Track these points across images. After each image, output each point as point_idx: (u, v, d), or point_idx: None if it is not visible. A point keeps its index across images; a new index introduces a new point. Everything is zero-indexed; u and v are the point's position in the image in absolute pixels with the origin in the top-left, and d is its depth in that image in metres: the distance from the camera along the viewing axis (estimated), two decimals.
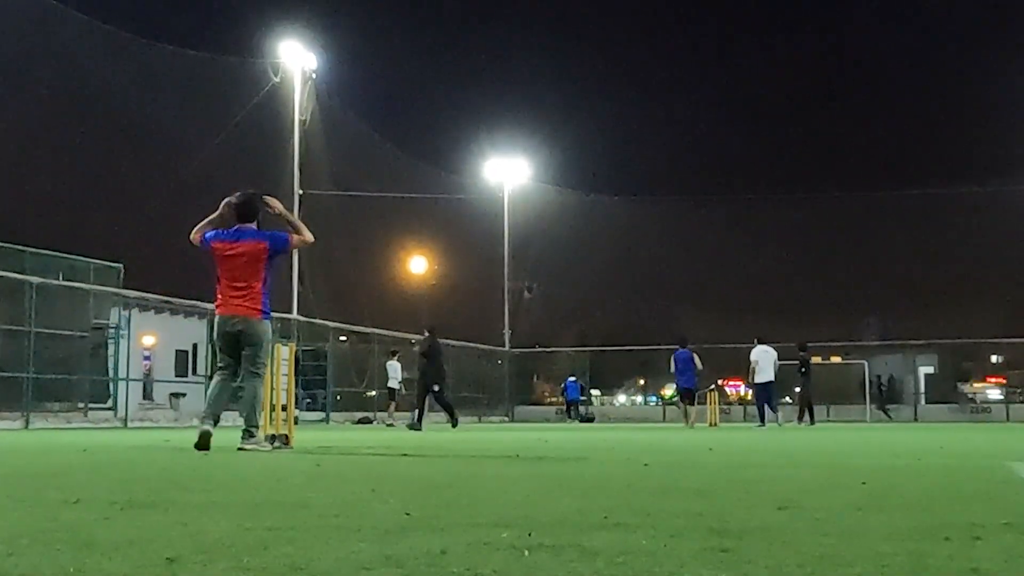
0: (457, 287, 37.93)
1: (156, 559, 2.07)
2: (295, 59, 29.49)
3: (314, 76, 30.03)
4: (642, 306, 42.46)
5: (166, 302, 25.50)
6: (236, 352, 7.55)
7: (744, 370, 22.69)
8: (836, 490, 4.02)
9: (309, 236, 7.78)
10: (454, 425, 17.89)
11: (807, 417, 21.54)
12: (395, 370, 23.38)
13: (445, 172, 39.58)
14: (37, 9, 25.66)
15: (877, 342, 40.69)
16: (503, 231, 37.81)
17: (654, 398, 48.15)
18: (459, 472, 5.30)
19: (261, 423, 7.58)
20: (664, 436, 13.17)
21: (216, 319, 7.70)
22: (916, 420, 31.55)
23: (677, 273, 42.42)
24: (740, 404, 35.56)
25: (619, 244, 41.32)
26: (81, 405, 22.51)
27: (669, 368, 21.95)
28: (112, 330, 24.98)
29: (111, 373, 24.10)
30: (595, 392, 45.01)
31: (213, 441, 7.13)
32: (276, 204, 7.85)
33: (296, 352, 9.91)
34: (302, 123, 29.53)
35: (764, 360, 20.36)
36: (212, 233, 7.58)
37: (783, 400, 33.50)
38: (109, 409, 22.64)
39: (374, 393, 28.35)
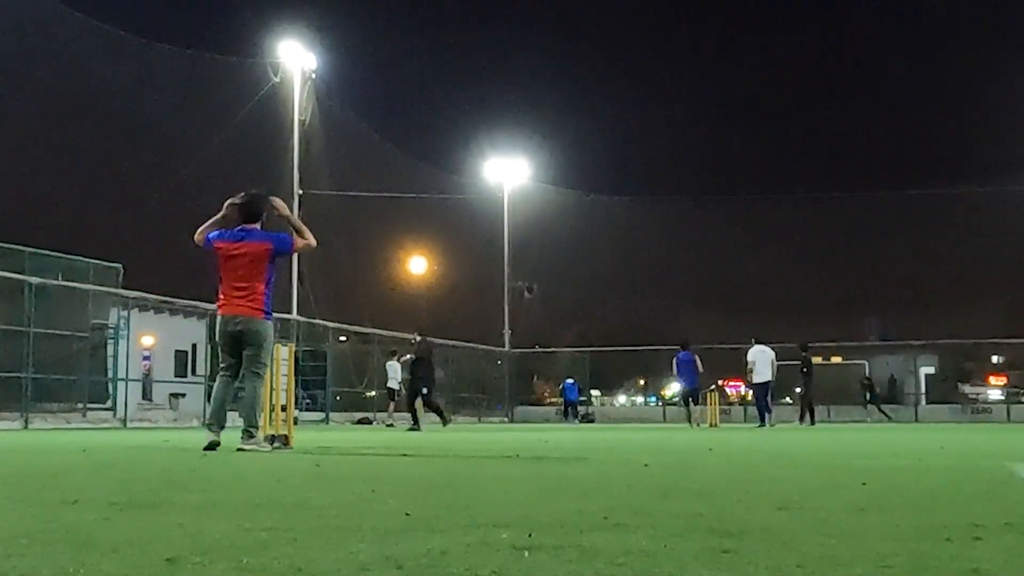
0: (457, 287, 37.94)
1: (155, 559, 2.06)
2: (295, 59, 29.49)
3: (314, 76, 30.04)
4: (642, 306, 42.50)
5: (165, 302, 25.49)
6: (238, 352, 7.54)
7: (744, 370, 22.75)
8: (836, 490, 4.01)
9: (312, 240, 7.77)
10: (445, 424, 17.93)
11: (808, 417, 21.57)
12: (395, 370, 23.37)
13: (445, 172, 39.65)
14: (37, 9, 25.67)
15: (877, 342, 40.72)
16: (503, 231, 37.81)
17: (654, 398, 48.17)
18: (459, 472, 5.29)
19: (261, 423, 7.58)
20: (664, 436, 13.17)
21: (218, 319, 7.68)
22: (917, 420, 31.54)
23: (677, 273, 42.46)
24: (740, 404, 35.54)
25: (619, 244, 41.35)
26: (80, 405, 22.50)
27: (671, 370, 22.19)
28: (111, 330, 24.98)
29: (110, 373, 24.11)
30: (595, 392, 45.01)
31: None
32: (282, 206, 7.86)
33: (296, 352, 9.90)
34: (302, 123, 29.53)
35: (761, 360, 20.44)
36: (215, 233, 7.57)
37: (784, 401, 33.60)
38: (108, 409, 22.64)
39: (374, 393, 28.36)
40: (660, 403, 42.37)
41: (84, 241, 26.12)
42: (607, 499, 3.49)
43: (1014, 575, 1.98)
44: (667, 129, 79.21)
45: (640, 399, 52.86)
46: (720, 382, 31.97)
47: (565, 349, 40.15)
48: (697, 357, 20.98)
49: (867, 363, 35.41)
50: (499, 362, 37.24)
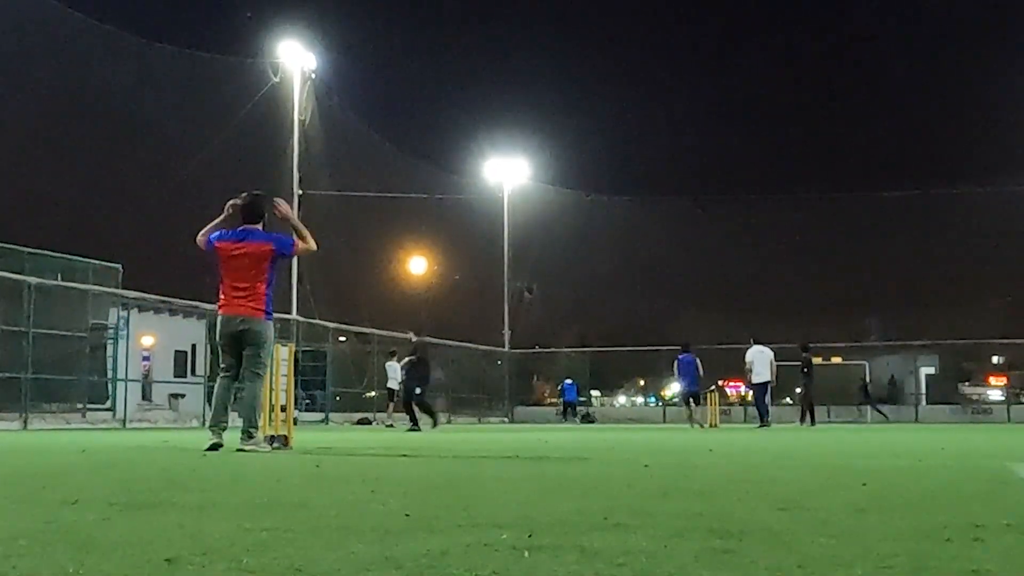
0: (457, 287, 37.93)
1: (155, 560, 2.06)
2: (294, 59, 29.50)
3: (313, 76, 30.05)
4: (642, 306, 42.48)
5: (165, 302, 25.49)
6: (238, 353, 7.53)
7: (744, 371, 22.81)
8: (837, 491, 4.01)
9: (313, 244, 7.77)
10: (435, 425, 17.87)
11: (808, 418, 21.59)
12: (394, 371, 23.34)
13: (445, 172, 39.63)
14: (37, 9, 25.67)
15: (878, 343, 40.70)
16: (503, 231, 37.81)
17: (654, 399, 48.16)
18: (458, 473, 5.29)
19: (260, 424, 7.57)
20: (664, 437, 13.17)
21: (218, 319, 7.67)
22: (917, 421, 31.54)
23: (677, 273, 42.44)
24: (740, 405, 35.55)
25: (619, 244, 41.33)
26: (80, 406, 22.48)
27: (673, 371, 22.41)
28: (111, 330, 24.95)
29: (110, 374, 24.08)
30: (595, 393, 44.99)
31: None
32: (285, 208, 7.86)
33: (295, 352, 9.90)
34: (301, 123, 29.53)
35: (759, 361, 20.54)
36: (217, 234, 7.57)
37: (784, 401, 33.61)
38: (108, 410, 22.62)
39: (373, 394, 28.35)
40: (660, 403, 42.36)
41: (83, 241, 26.13)
42: (607, 499, 3.49)
43: (1014, 575, 1.98)
44: (667, 129, 79.18)
45: (640, 399, 52.84)
46: (720, 382, 31.99)
47: (565, 349, 40.15)
48: (698, 359, 21.18)
49: (867, 363, 35.37)
50: (499, 362, 37.24)
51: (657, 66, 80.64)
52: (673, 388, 35.03)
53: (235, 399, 7.78)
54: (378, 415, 25.84)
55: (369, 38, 74.22)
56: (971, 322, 36.64)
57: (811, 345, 23.43)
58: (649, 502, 3.43)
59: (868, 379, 34.55)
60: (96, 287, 24.02)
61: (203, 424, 18.76)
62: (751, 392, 22.35)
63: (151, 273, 26.28)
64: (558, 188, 41.14)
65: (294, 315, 27.12)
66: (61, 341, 21.77)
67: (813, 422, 21.48)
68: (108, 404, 23.12)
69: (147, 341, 29.46)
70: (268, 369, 7.64)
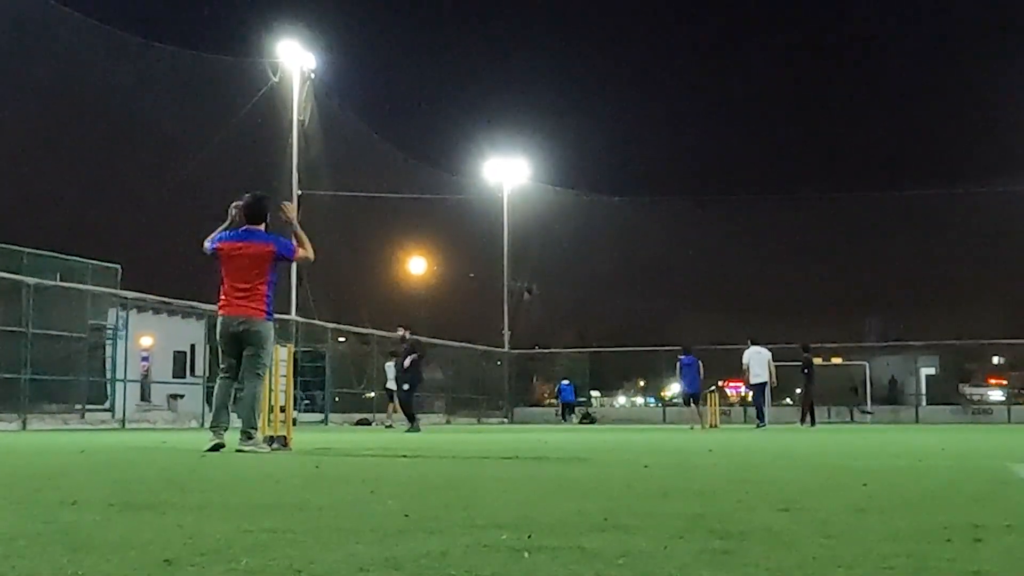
0: (456, 287, 37.92)
1: (154, 561, 2.06)
2: (294, 59, 29.48)
3: (313, 76, 30.03)
4: (642, 306, 42.49)
5: (164, 303, 25.48)
6: (238, 353, 7.52)
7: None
8: (837, 491, 4.01)
9: (312, 254, 7.80)
10: (409, 430, 17.44)
11: (808, 418, 21.63)
12: (394, 371, 23.35)
13: (444, 172, 39.62)
14: (37, 9, 25.66)
15: (878, 343, 40.71)
16: (502, 231, 37.81)
17: (653, 399, 48.16)
18: (458, 473, 5.29)
19: (259, 424, 7.57)
20: (664, 437, 13.17)
21: (219, 319, 7.66)
22: (917, 421, 31.55)
23: (677, 273, 42.46)
24: (740, 405, 35.57)
25: (619, 244, 41.32)
26: (79, 406, 22.45)
27: (674, 372, 22.82)
28: (110, 331, 24.92)
29: (109, 374, 24.05)
30: (595, 393, 44.99)
31: None
32: (291, 213, 7.87)
33: (295, 353, 9.90)
34: (301, 123, 29.51)
35: (756, 361, 20.62)
36: (219, 235, 7.57)
37: (784, 402, 33.64)
38: (107, 410, 22.61)
39: (373, 394, 28.34)
40: (660, 404, 42.36)
41: (82, 241, 26.12)
42: (607, 500, 3.49)
43: None
44: (667, 129, 79.14)
45: (640, 400, 52.84)
46: (720, 383, 32.02)
47: (565, 350, 40.15)
48: (700, 362, 21.34)
49: (867, 363, 35.38)
50: (499, 363, 37.23)
51: (657, 66, 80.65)
52: (673, 388, 35.06)
53: (235, 399, 7.77)
54: (377, 416, 25.84)
55: (369, 38, 74.17)
56: (971, 322, 36.68)
57: (811, 345, 23.48)
58: (649, 503, 3.43)
59: (868, 380, 34.57)
60: (95, 287, 24.01)
61: (202, 425, 18.78)
62: (751, 393, 22.43)
63: (150, 273, 26.30)
64: (558, 188, 41.16)
65: (293, 315, 27.11)
66: (60, 342, 21.75)
67: (813, 422, 21.52)
68: (107, 405, 23.11)
69: (146, 341, 29.43)
70: (268, 370, 7.64)
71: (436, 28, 78.14)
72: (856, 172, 64.23)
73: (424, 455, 7.14)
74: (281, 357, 8.15)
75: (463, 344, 33.87)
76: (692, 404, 21.27)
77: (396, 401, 22.75)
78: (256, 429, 7.43)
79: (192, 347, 28.52)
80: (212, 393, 7.93)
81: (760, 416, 20.60)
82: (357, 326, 30.00)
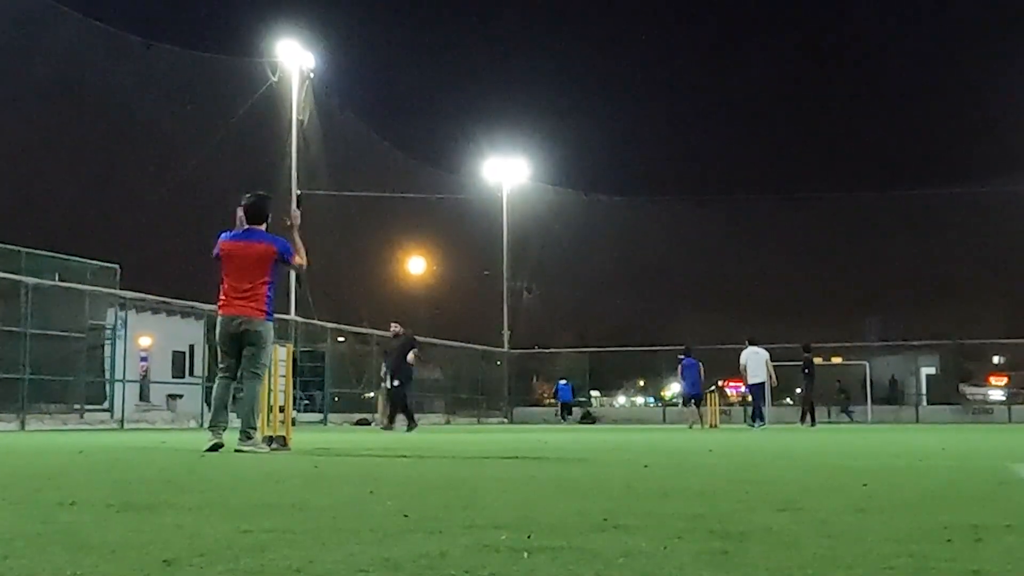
0: (456, 287, 37.92)
1: (153, 561, 2.05)
2: (293, 59, 29.47)
3: (312, 76, 30.03)
4: (642, 306, 42.49)
5: (163, 303, 25.47)
6: (237, 353, 7.52)
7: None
8: (837, 491, 4.01)
9: (305, 262, 7.84)
10: (384, 427, 17.42)
11: (809, 418, 21.64)
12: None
13: (444, 172, 39.62)
14: (37, 9, 25.66)
15: (878, 343, 40.71)
16: (502, 231, 37.80)
17: (653, 399, 48.17)
18: (457, 474, 5.28)
19: (259, 424, 7.56)
20: (664, 437, 13.18)
21: (219, 319, 7.65)
22: (918, 421, 31.55)
23: (677, 273, 42.44)
24: (740, 405, 35.57)
25: (619, 244, 41.33)
26: (77, 406, 22.43)
27: (675, 373, 22.97)
28: (109, 331, 24.89)
29: (107, 374, 24.03)
30: (595, 393, 45.01)
31: None
32: (296, 219, 7.87)
33: (294, 353, 9.90)
34: (300, 123, 29.51)
35: (754, 362, 20.65)
36: (221, 236, 7.57)
37: (784, 402, 33.64)
38: (105, 410, 22.59)
39: (372, 394, 28.32)
40: (659, 404, 42.36)
41: (81, 241, 26.09)
42: (607, 500, 3.48)
43: None
44: (667, 129, 79.10)
45: (640, 400, 52.85)
46: (720, 383, 32.04)
47: (564, 349, 40.15)
48: (701, 363, 21.44)
49: (867, 363, 35.37)
50: (498, 363, 37.23)
51: (657, 66, 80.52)
52: (673, 388, 35.07)
53: (234, 399, 7.77)
54: (377, 416, 25.81)
55: (368, 38, 74.12)
56: (971, 322, 36.66)
57: (812, 346, 23.49)
58: (649, 503, 3.42)
59: (869, 380, 34.56)
60: (94, 287, 23.98)
61: (201, 425, 18.77)
62: (750, 393, 22.45)
63: (149, 273, 26.27)
64: (557, 188, 41.15)
65: (292, 315, 27.10)
66: (59, 342, 21.72)
67: (814, 422, 21.52)
68: (106, 405, 23.09)
69: (145, 342, 29.43)
70: (267, 370, 7.64)
71: (436, 28, 78.18)
72: (856, 172, 64.24)
73: (424, 455, 7.14)
74: (280, 357, 8.14)
75: (463, 344, 33.87)
76: (693, 405, 21.37)
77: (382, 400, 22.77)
78: (255, 429, 7.43)
79: (191, 347, 28.52)
80: (211, 393, 7.92)
81: (759, 416, 20.58)
82: (356, 326, 29.98)
